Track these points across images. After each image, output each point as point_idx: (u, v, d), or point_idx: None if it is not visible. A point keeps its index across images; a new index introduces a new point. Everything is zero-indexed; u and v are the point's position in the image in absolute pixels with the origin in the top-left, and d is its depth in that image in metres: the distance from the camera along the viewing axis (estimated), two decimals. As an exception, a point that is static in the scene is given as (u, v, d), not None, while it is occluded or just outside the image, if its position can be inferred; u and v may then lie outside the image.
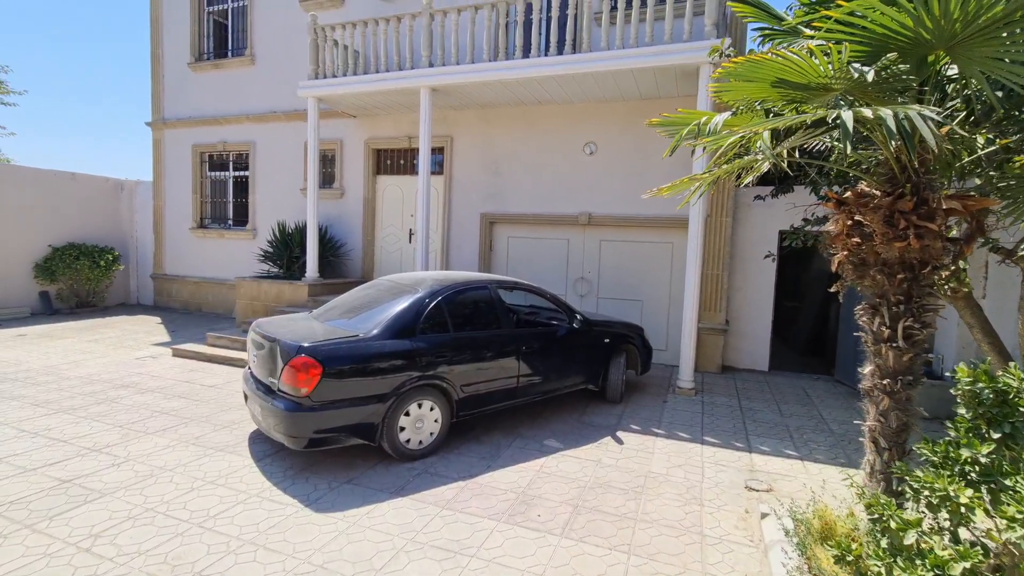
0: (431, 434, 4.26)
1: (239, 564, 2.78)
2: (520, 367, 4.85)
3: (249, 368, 4.48)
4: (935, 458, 1.95)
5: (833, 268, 2.86)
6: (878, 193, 2.63)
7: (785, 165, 2.78)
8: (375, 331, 4.11)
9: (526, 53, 7.57)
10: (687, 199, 2.96)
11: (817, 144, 3.50)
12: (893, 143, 2.25)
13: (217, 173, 11.30)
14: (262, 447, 4.31)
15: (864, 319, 2.74)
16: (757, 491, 3.84)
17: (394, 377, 4.03)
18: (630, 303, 7.92)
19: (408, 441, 4.12)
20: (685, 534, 3.24)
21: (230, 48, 10.98)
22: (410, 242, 9.34)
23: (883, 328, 2.64)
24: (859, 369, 2.87)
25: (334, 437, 3.83)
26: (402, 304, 4.37)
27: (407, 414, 4.11)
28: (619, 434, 4.90)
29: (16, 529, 3.04)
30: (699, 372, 7.14)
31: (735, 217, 7.51)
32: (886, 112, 1.89)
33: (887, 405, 2.66)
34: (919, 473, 1.89)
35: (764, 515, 3.36)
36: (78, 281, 10.69)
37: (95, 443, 4.29)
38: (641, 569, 2.87)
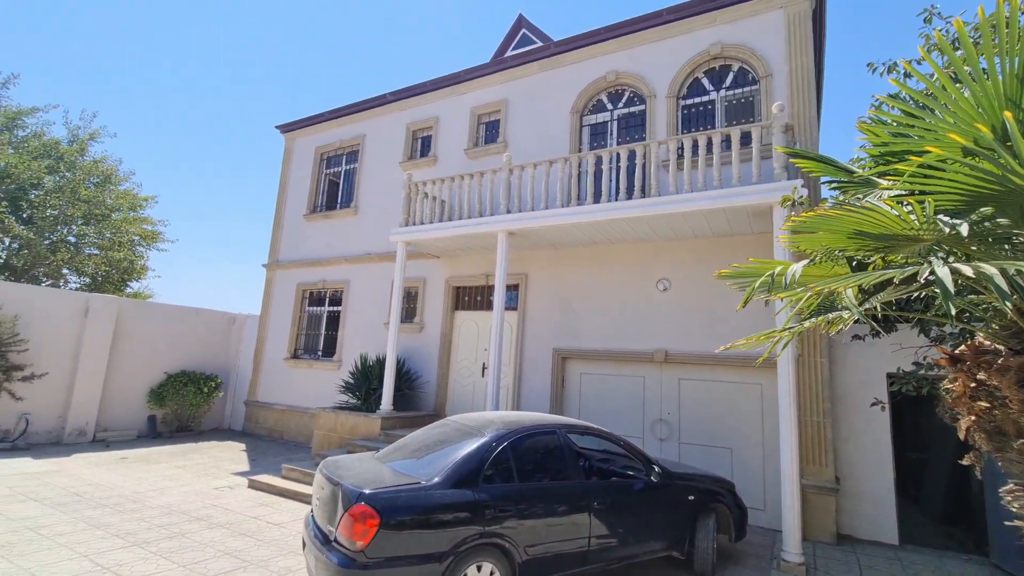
0: (490, 604, 3.80)
1: None
2: (592, 526, 4.36)
3: (311, 511, 4.38)
4: None
5: (960, 435, 2.41)
6: (1002, 349, 2.27)
7: (878, 320, 2.52)
8: (437, 478, 3.93)
9: (597, 199, 8.02)
10: (768, 350, 2.73)
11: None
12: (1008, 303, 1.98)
13: (314, 308, 12.41)
14: (313, 604, 4.03)
15: (1017, 506, 2.21)
16: None
17: (454, 532, 3.74)
18: (717, 451, 7.15)
19: (464, 612, 3.68)
20: None
21: (339, 202, 12.71)
22: (483, 376, 9.36)
23: (1046, 520, 2.10)
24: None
25: (385, 602, 3.51)
26: (466, 449, 4.21)
27: (464, 578, 3.73)
28: (713, 621, 4.09)
29: None
30: (808, 541, 6.03)
31: (831, 357, 6.85)
32: (991, 270, 1.68)
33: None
34: None
35: None
36: (182, 406, 11.61)
37: (157, 584, 4.25)
38: None
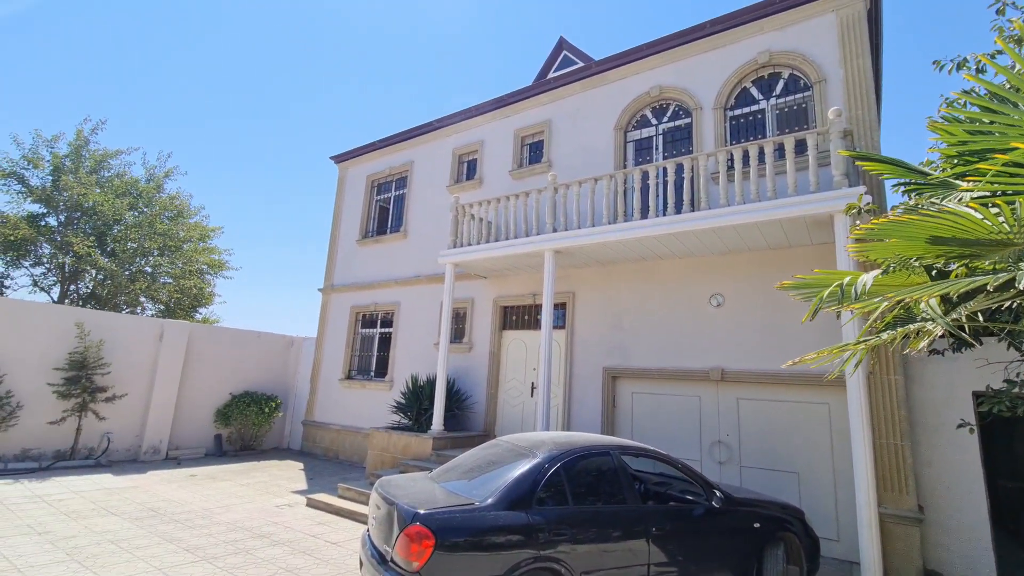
0: (546, 633, 3.69)
1: None
2: (651, 553, 4.18)
3: (367, 531, 4.43)
4: None
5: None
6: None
7: (965, 332, 2.32)
8: (490, 499, 3.89)
9: (644, 214, 7.89)
10: (840, 367, 2.56)
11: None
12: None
13: (366, 330, 12.77)
14: (369, 624, 4.04)
15: None
16: None
17: (508, 555, 3.68)
18: (782, 475, 6.74)
19: (520, 640, 3.58)
20: None
21: (388, 226, 13.14)
22: (532, 395, 9.29)
23: None
24: None
25: (440, 626, 3.47)
26: (518, 470, 4.16)
27: (519, 604, 3.64)
28: (787, 660, 3.80)
29: None
30: None
31: (907, 374, 6.37)
32: (1101, 274, 1.52)
33: None
34: None
35: None
36: (246, 426, 12.14)
37: (223, 599, 4.39)
38: None
